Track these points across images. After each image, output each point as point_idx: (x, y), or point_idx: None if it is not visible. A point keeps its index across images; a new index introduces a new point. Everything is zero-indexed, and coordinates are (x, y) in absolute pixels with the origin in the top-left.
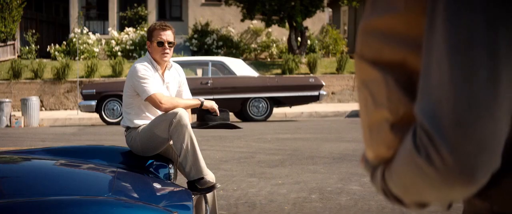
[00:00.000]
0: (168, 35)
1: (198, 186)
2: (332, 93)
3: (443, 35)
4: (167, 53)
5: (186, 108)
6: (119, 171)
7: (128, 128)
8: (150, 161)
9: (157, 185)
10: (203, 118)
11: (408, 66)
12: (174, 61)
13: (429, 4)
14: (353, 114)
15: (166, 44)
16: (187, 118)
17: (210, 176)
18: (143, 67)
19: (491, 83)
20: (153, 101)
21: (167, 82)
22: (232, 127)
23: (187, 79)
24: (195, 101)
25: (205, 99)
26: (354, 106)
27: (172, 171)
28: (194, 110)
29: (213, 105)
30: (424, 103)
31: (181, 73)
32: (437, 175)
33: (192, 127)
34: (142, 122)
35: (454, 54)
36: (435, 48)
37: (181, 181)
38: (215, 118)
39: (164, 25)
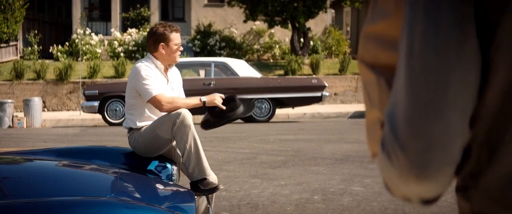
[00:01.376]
0: (179, 38)
1: (201, 187)
2: (335, 94)
3: (404, 40)
4: (177, 56)
5: (187, 108)
6: (121, 172)
7: (130, 129)
8: (152, 162)
9: (159, 186)
10: (214, 114)
11: None
12: (177, 62)
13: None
14: (356, 115)
15: (180, 46)
16: (191, 118)
17: (212, 177)
18: (145, 67)
19: (441, 85)
20: (154, 103)
21: (171, 82)
22: (244, 113)
23: (190, 80)
24: (195, 101)
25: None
26: (356, 107)
27: (174, 172)
28: (199, 110)
29: (215, 101)
30: (389, 105)
31: (179, 73)
32: (395, 171)
33: (207, 127)
34: (144, 123)
35: (409, 58)
36: (400, 53)
37: (184, 182)
38: (223, 112)
39: (176, 28)
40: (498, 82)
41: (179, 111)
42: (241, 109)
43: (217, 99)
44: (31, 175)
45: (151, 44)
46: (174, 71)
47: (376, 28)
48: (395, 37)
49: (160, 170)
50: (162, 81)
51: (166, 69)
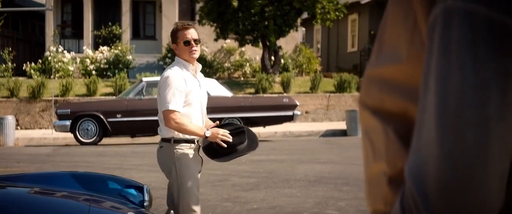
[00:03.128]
0: (192, 33)
1: None
2: (306, 112)
3: (434, 95)
4: (195, 51)
5: (190, 134)
6: (93, 198)
7: (169, 140)
8: (124, 188)
9: None
10: (214, 151)
11: (409, 118)
12: (147, 81)
13: (425, 61)
14: (328, 134)
15: (193, 42)
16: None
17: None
18: (173, 75)
19: (480, 148)
20: (166, 115)
21: (201, 82)
22: (245, 150)
23: None
24: (201, 132)
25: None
26: (328, 125)
27: (146, 198)
28: None
29: (218, 139)
30: (412, 163)
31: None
32: None
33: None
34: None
35: (443, 115)
36: (427, 107)
37: (157, 208)
38: (225, 150)
39: (186, 24)
40: None
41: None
42: (243, 146)
43: (220, 136)
44: (3, 203)
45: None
46: (200, 74)
47: (382, 72)
48: (405, 83)
49: (133, 196)
50: (193, 85)
51: (195, 71)
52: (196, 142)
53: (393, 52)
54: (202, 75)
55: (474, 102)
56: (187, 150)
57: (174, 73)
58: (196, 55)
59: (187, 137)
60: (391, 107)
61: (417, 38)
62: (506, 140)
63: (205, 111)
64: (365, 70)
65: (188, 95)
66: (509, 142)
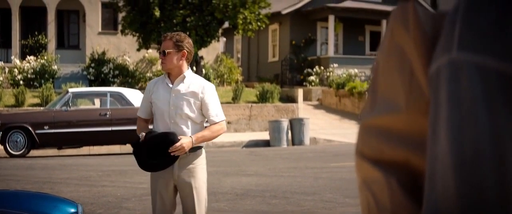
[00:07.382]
0: (164, 45)
1: None
2: (228, 122)
3: (447, 148)
4: (163, 63)
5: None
6: None
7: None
8: (59, 206)
9: None
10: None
11: (412, 167)
12: (73, 92)
13: (431, 111)
14: (250, 144)
15: (161, 54)
16: None
17: None
18: (147, 85)
19: (503, 201)
20: None
21: (175, 90)
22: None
23: (86, 110)
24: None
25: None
26: (250, 136)
27: None
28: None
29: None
30: None
31: (205, 91)
32: None
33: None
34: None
35: (459, 169)
36: (439, 160)
37: None
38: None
39: (164, 35)
40: None
41: None
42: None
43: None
44: None
45: None
46: (188, 84)
47: (380, 122)
48: (406, 132)
49: None
50: (159, 95)
51: (174, 79)
52: None
53: (390, 102)
54: (196, 87)
55: (492, 155)
56: None
57: (150, 82)
58: (163, 67)
59: None
60: (391, 157)
61: (415, 87)
62: None
63: (179, 123)
64: (360, 120)
65: (153, 105)
66: None
